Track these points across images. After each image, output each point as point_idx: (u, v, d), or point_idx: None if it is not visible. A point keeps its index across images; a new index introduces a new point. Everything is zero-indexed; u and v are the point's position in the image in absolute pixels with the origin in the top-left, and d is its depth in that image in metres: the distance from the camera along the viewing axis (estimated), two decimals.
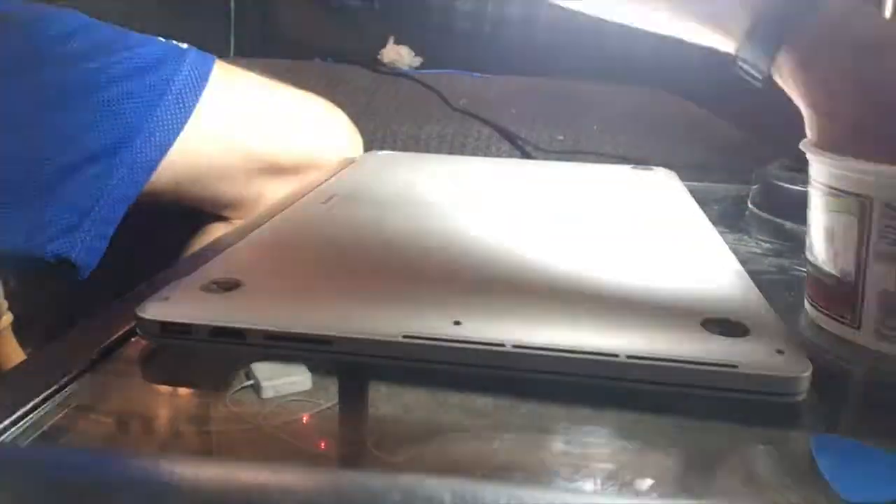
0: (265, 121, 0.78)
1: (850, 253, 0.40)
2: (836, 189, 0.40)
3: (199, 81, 0.73)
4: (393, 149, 0.97)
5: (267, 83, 0.81)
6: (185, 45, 0.75)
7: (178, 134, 0.71)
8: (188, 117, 0.71)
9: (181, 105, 0.71)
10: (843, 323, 0.41)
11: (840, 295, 0.41)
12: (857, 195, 0.39)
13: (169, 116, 0.70)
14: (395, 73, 1.32)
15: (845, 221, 0.40)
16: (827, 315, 0.42)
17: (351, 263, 0.43)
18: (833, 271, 0.41)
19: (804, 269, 0.45)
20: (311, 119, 0.82)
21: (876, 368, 0.39)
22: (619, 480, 0.28)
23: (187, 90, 0.72)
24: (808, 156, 0.42)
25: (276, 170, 0.79)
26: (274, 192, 0.80)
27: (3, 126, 0.60)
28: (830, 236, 0.41)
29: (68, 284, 0.77)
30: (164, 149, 0.70)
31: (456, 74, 1.31)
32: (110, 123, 0.65)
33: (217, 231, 0.80)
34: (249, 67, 0.84)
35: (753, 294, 0.40)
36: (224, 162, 0.76)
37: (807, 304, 0.44)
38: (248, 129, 0.77)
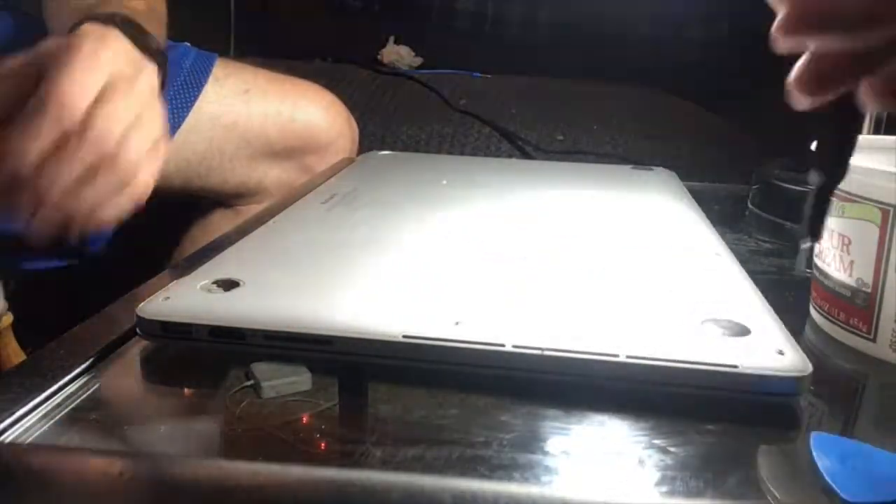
0: (262, 101, 0.80)
1: (869, 262, 0.38)
2: (853, 195, 0.39)
3: (204, 69, 0.74)
4: (393, 149, 0.97)
5: (263, 71, 0.83)
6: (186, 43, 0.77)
7: (184, 118, 0.72)
8: (194, 103, 0.72)
9: (187, 91, 0.72)
10: (856, 334, 0.39)
11: (855, 305, 0.39)
12: (878, 203, 0.37)
13: (176, 101, 0.71)
14: (395, 73, 1.32)
15: (864, 229, 0.38)
16: (838, 325, 0.41)
17: (351, 263, 0.43)
18: (848, 280, 0.39)
19: (805, 271, 0.44)
20: (306, 101, 0.83)
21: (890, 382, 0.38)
22: (620, 480, 0.28)
23: (193, 78, 0.73)
24: None
25: (275, 153, 0.80)
26: (274, 179, 0.81)
27: None
28: (845, 244, 0.40)
29: (68, 284, 0.77)
30: (172, 133, 0.71)
31: (456, 74, 1.31)
32: None
33: (219, 220, 0.81)
34: None
35: (753, 294, 0.40)
36: (225, 142, 0.77)
37: (813, 312, 0.43)
38: (246, 109, 0.78)
